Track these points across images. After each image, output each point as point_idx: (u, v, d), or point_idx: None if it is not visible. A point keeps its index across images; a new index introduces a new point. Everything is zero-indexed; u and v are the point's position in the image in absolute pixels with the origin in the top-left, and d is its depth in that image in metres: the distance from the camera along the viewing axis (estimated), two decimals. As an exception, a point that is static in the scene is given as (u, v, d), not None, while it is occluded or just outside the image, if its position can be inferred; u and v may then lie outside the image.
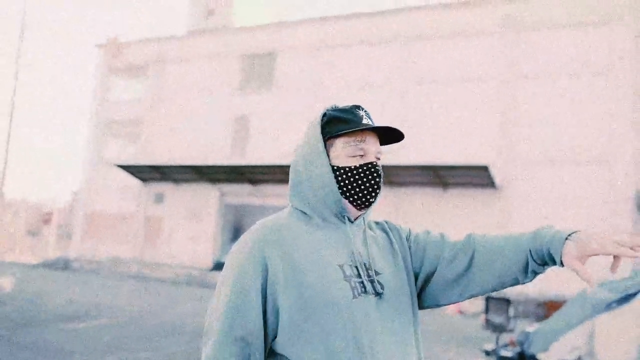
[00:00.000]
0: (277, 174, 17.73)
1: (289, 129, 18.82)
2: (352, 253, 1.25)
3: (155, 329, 7.09)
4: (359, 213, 1.32)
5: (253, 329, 1.17)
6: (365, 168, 1.29)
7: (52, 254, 25.52)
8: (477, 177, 14.83)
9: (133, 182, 20.46)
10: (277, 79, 19.61)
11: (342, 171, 1.29)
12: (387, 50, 17.89)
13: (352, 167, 1.28)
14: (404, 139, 1.34)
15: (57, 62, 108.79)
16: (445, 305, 1.39)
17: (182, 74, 21.23)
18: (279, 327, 1.18)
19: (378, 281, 1.25)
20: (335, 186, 1.28)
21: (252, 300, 1.16)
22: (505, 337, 7.05)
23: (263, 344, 1.18)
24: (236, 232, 19.30)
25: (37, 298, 9.58)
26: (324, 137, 1.30)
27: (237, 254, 1.22)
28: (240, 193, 19.30)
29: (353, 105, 1.33)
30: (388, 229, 1.39)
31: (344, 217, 1.30)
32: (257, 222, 1.27)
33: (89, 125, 22.77)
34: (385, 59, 17.82)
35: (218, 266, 17.18)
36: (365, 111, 1.34)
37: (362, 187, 1.28)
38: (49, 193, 73.71)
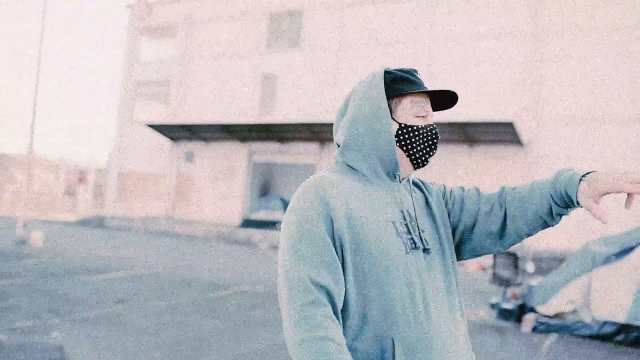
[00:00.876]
0: (304, 131, 17.80)
1: (316, 87, 18.78)
2: (402, 211, 1.30)
3: (172, 281, 7.35)
4: (410, 172, 1.38)
5: (330, 259, 1.19)
6: (429, 129, 1.35)
7: (88, 212, 26.40)
8: (503, 133, 14.59)
9: (164, 141, 20.86)
10: (304, 38, 19.49)
11: (408, 129, 1.33)
12: (413, 7, 17.53)
13: (419, 127, 1.33)
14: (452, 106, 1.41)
15: (87, 21, 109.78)
16: (483, 254, 1.46)
17: (211, 33, 21.28)
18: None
19: (424, 238, 1.31)
20: (394, 141, 1.32)
21: (323, 237, 1.19)
22: (510, 291, 7.13)
23: (342, 273, 1.20)
24: (264, 190, 19.58)
25: (65, 252, 10.01)
26: (387, 94, 1.33)
27: (299, 212, 1.24)
28: (269, 151, 19.49)
29: (412, 69, 1.38)
30: (423, 187, 1.44)
31: (395, 175, 1.34)
32: (311, 177, 1.29)
33: (120, 86, 23.18)
34: (411, 16, 17.49)
35: (246, 223, 17.50)
36: (420, 75, 1.39)
37: (423, 146, 1.34)
38: (88, 153, 75.75)
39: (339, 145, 1.37)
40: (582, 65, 14.87)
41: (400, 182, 1.35)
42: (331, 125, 14.85)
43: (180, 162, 20.69)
